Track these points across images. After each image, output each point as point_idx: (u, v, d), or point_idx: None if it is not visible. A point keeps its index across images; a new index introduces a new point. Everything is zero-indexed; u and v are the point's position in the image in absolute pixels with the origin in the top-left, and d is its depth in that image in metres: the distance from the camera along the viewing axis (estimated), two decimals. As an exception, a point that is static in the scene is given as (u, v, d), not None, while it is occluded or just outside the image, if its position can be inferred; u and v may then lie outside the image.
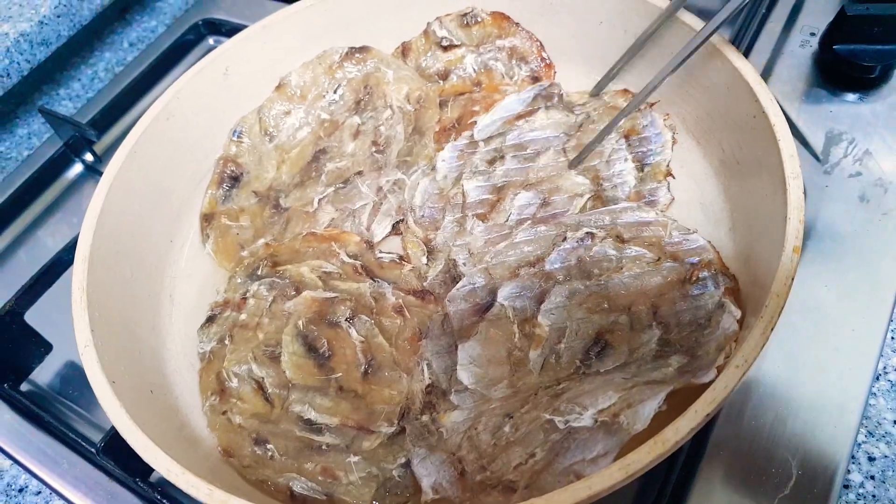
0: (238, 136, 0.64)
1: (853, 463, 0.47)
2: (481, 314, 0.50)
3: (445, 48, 0.66)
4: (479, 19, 0.66)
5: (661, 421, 0.38)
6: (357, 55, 0.65)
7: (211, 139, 0.64)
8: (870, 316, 0.51)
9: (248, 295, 0.55)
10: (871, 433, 0.48)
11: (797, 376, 0.49)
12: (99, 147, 0.74)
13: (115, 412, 0.43)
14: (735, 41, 0.64)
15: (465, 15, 0.66)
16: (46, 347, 0.59)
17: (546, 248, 0.52)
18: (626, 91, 0.61)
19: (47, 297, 0.59)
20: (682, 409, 0.37)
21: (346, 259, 0.56)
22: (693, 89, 0.57)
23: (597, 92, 0.62)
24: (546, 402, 0.43)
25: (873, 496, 0.46)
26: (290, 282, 0.55)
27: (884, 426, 0.48)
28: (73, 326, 0.48)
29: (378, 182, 0.60)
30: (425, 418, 0.47)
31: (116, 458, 0.49)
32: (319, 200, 0.60)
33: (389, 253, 0.57)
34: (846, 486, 0.46)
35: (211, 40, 0.85)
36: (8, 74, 0.76)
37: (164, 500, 0.49)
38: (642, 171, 0.56)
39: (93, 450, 0.52)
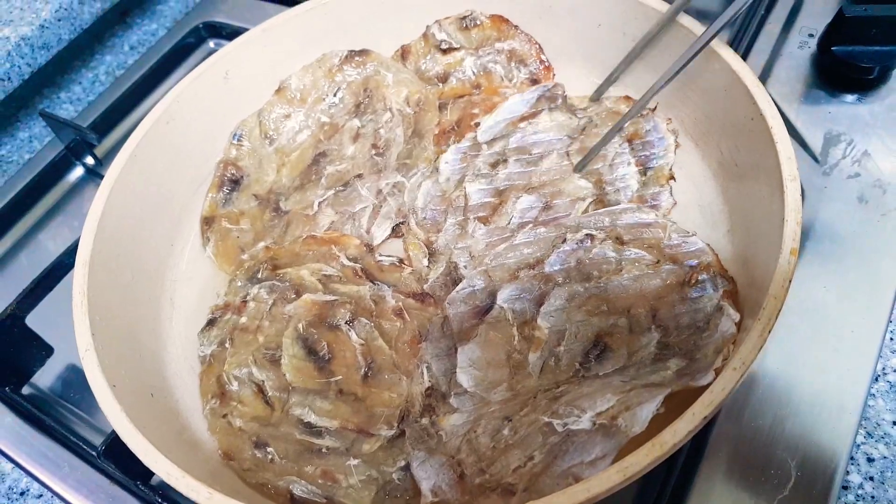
0: (238, 140, 0.64)
1: (852, 464, 0.47)
2: (481, 317, 0.50)
3: (445, 51, 0.66)
4: (478, 22, 0.66)
5: (659, 423, 0.38)
6: (357, 58, 0.65)
7: (211, 143, 0.64)
8: (869, 317, 0.51)
9: (248, 298, 0.55)
10: (869, 434, 0.48)
11: (796, 377, 0.49)
12: (100, 150, 0.74)
13: (116, 416, 0.43)
14: (734, 43, 0.64)
15: (465, 18, 0.66)
16: (48, 351, 0.59)
17: (545, 250, 0.52)
18: (627, 98, 0.61)
19: (48, 301, 0.59)
20: (680, 412, 0.37)
21: (346, 262, 0.56)
22: (691, 92, 0.57)
23: (597, 97, 0.62)
24: (545, 404, 0.44)
25: (872, 497, 0.46)
26: (290, 285, 0.55)
27: (883, 427, 0.48)
28: (74, 330, 0.48)
29: (378, 185, 0.60)
30: (425, 421, 0.47)
31: (117, 461, 0.50)
32: (319, 203, 0.60)
33: (389, 256, 0.57)
34: (845, 487, 0.46)
35: (211, 43, 0.86)
36: (9, 78, 0.77)
37: (165, 504, 0.49)
38: (645, 174, 0.56)
39: (94, 453, 0.52)
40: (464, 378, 0.47)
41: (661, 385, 0.42)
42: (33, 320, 0.58)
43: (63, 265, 0.59)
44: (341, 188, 0.60)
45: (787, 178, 0.45)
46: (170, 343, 0.56)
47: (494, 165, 0.59)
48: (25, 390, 0.59)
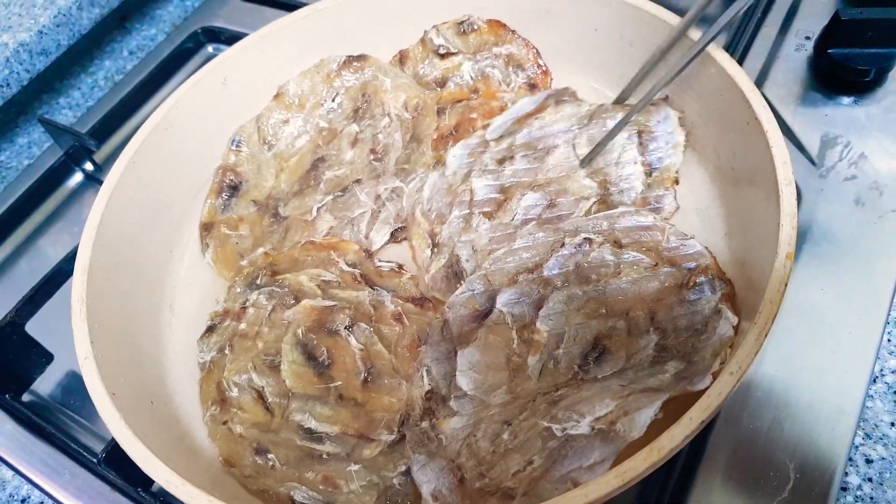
0: (237, 145, 0.64)
1: (851, 465, 0.47)
2: (480, 320, 0.50)
3: (442, 56, 0.66)
4: (476, 27, 0.66)
5: (657, 428, 0.38)
6: (355, 63, 0.65)
7: (210, 149, 0.64)
8: (866, 318, 0.51)
9: (247, 304, 0.55)
10: (868, 435, 0.48)
11: (794, 379, 0.49)
12: (99, 156, 0.74)
13: (116, 424, 0.43)
14: (730, 46, 0.64)
15: (462, 23, 0.66)
16: (48, 358, 0.59)
17: (544, 254, 0.52)
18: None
19: (48, 308, 0.59)
20: (678, 416, 0.38)
21: (345, 267, 0.56)
22: (687, 96, 0.57)
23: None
24: (544, 409, 0.44)
25: (871, 498, 0.46)
26: (289, 290, 0.55)
27: (881, 428, 0.48)
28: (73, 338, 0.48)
29: (376, 190, 0.60)
30: (425, 425, 0.47)
31: (118, 468, 0.50)
32: (318, 209, 0.60)
33: (388, 262, 0.57)
34: (844, 489, 0.46)
35: (210, 48, 0.86)
36: (8, 84, 0.77)
37: (166, 510, 0.49)
38: (650, 175, 0.56)
39: (94, 460, 0.52)
40: (463, 381, 0.48)
41: (659, 390, 0.42)
42: (33, 327, 0.58)
43: (63, 272, 0.59)
44: (340, 193, 0.60)
45: (783, 182, 0.45)
46: (169, 350, 0.56)
47: (501, 162, 0.59)
48: (26, 397, 0.59)
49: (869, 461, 0.47)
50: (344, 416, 0.49)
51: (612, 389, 0.43)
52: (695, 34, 0.55)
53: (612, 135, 0.56)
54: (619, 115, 0.58)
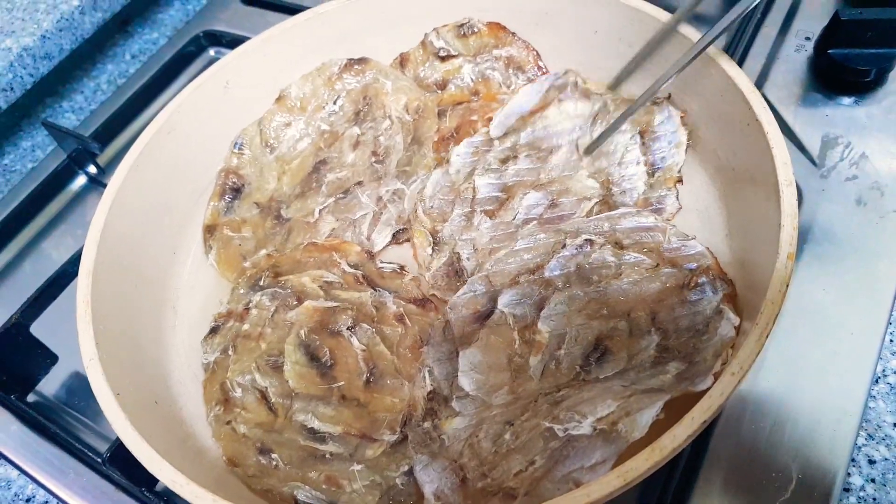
0: (239, 148, 0.64)
1: (853, 466, 0.47)
2: (482, 321, 0.51)
3: (443, 58, 0.67)
4: (476, 30, 0.66)
5: (658, 428, 0.38)
6: (356, 66, 0.66)
7: (212, 152, 0.64)
8: (868, 319, 0.51)
9: (250, 305, 0.55)
10: (870, 436, 0.48)
11: (796, 380, 0.49)
12: (102, 159, 0.74)
13: (121, 424, 0.44)
14: (730, 46, 0.64)
15: (462, 26, 0.67)
16: (52, 359, 0.60)
17: (545, 255, 0.52)
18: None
19: (53, 309, 0.59)
20: (680, 416, 0.38)
21: (347, 269, 0.56)
22: (688, 97, 0.57)
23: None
24: (546, 409, 0.44)
25: (874, 499, 0.46)
26: (291, 292, 0.55)
27: (883, 429, 0.48)
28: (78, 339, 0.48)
29: (378, 192, 0.60)
30: (427, 425, 0.47)
31: (122, 468, 0.50)
32: (320, 211, 0.60)
33: (390, 263, 0.57)
34: (847, 490, 0.46)
35: (212, 52, 0.86)
36: (11, 88, 0.77)
37: (170, 510, 0.49)
38: (653, 176, 0.57)
39: (99, 460, 0.52)
40: (465, 381, 0.48)
41: (661, 390, 0.42)
42: (38, 328, 0.58)
43: (67, 274, 0.59)
44: (342, 195, 0.61)
45: (784, 182, 0.46)
46: (173, 351, 0.56)
47: (505, 161, 0.59)
48: (31, 398, 0.59)
49: (872, 462, 0.47)
50: (347, 416, 0.49)
51: (613, 390, 0.43)
52: (688, 31, 0.55)
53: (616, 125, 0.57)
54: (624, 123, 0.58)
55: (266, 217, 0.62)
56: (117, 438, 0.45)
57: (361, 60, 0.66)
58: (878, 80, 0.63)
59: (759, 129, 0.49)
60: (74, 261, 0.59)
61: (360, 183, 0.61)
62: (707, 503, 0.46)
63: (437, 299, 0.55)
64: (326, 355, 0.51)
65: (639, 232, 0.52)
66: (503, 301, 0.50)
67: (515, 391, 0.47)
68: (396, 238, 0.60)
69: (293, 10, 0.68)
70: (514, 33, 0.66)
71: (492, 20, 0.66)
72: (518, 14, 0.66)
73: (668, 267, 0.50)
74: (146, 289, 0.57)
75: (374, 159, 0.62)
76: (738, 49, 0.65)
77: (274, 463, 0.48)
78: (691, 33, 0.55)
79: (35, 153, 0.83)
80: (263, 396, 0.51)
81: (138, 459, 0.42)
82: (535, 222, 0.55)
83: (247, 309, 0.55)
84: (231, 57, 0.64)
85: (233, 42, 0.80)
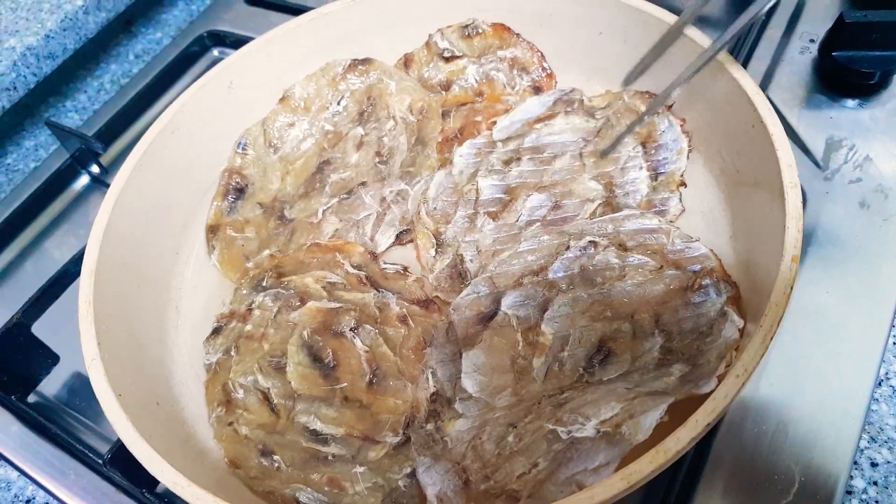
0: (243, 148, 0.64)
1: (856, 469, 0.47)
2: (485, 323, 0.51)
3: (447, 59, 0.67)
4: (481, 30, 0.66)
5: (662, 431, 0.38)
6: (360, 67, 0.66)
7: (216, 152, 0.64)
8: (871, 321, 0.51)
9: (253, 306, 0.55)
10: (873, 439, 0.48)
11: (799, 383, 0.49)
12: (105, 159, 0.74)
13: (122, 425, 0.44)
14: (735, 49, 0.64)
15: (467, 26, 0.67)
16: (54, 359, 0.60)
17: (549, 256, 0.52)
18: (645, 93, 0.61)
19: (54, 309, 0.59)
20: (683, 419, 0.38)
21: (351, 269, 0.56)
22: (692, 99, 0.57)
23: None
24: (549, 411, 0.44)
25: (876, 502, 0.46)
26: (294, 292, 0.55)
27: (886, 432, 0.48)
28: (80, 339, 0.48)
29: (381, 193, 0.60)
30: (430, 427, 0.47)
31: (123, 469, 0.50)
32: (323, 211, 0.60)
33: (394, 264, 0.57)
34: (849, 492, 0.46)
35: (216, 52, 0.86)
36: (15, 87, 0.77)
37: (172, 511, 0.49)
38: (656, 179, 0.57)
39: (100, 461, 0.52)
40: (469, 383, 0.48)
41: (664, 393, 0.42)
42: (39, 328, 0.58)
43: (69, 273, 0.59)
44: (345, 196, 0.61)
45: (788, 185, 0.45)
46: (175, 351, 0.56)
47: (508, 163, 0.59)
48: (31, 398, 0.59)
49: (874, 465, 0.47)
50: (349, 417, 0.49)
51: (617, 392, 0.43)
52: (695, 34, 0.55)
53: (633, 127, 0.57)
54: (627, 123, 0.58)
55: (269, 217, 0.62)
56: (118, 439, 0.45)
57: (365, 61, 0.66)
58: (883, 83, 0.63)
59: (764, 132, 0.49)
60: (77, 260, 0.59)
61: (363, 183, 0.61)
62: (710, 506, 0.46)
63: (441, 301, 0.55)
64: (329, 356, 0.51)
65: (642, 234, 0.52)
66: (507, 302, 0.50)
67: (519, 393, 0.47)
68: (400, 239, 0.60)
69: (297, 11, 0.68)
70: (518, 34, 0.66)
71: (496, 21, 0.66)
72: (522, 15, 0.66)
73: (671, 269, 0.50)
74: (148, 289, 0.57)
75: (377, 160, 0.62)
76: (742, 51, 0.65)
77: (276, 465, 0.48)
78: (698, 37, 0.55)
79: (38, 152, 0.83)
80: (266, 398, 0.51)
81: (139, 461, 0.42)
82: (538, 224, 0.55)
83: (249, 310, 0.55)
84: (235, 57, 0.64)
85: (236, 42, 0.80)
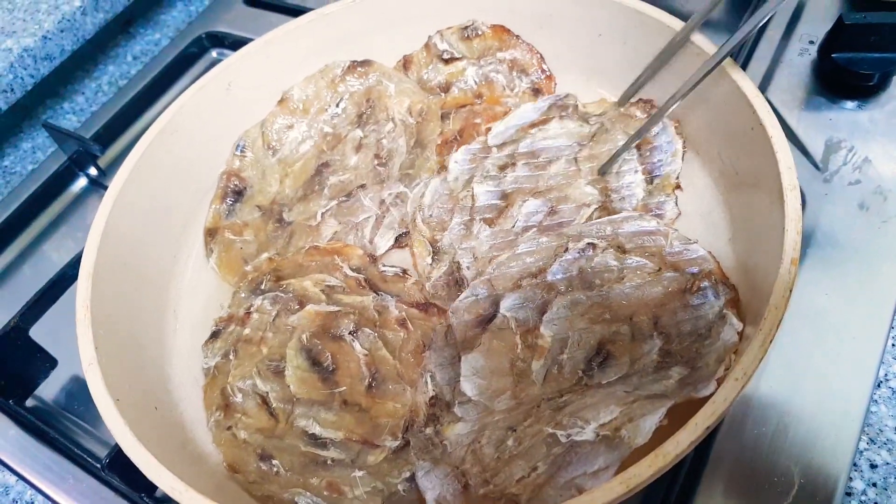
0: (241, 151, 0.64)
1: (855, 470, 0.47)
2: (484, 325, 0.51)
3: (447, 61, 0.66)
4: (480, 32, 0.66)
5: (661, 434, 0.38)
6: (359, 69, 0.66)
7: (214, 154, 0.64)
8: (870, 323, 0.51)
9: (251, 309, 0.55)
10: (872, 440, 0.48)
11: (798, 384, 0.49)
12: (103, 161, 0.74)
13: (120, 430, 0.43)
14: (735, 50, 0.64)
15: (466, 28, 0.66)
16: (52, 363, 0.59)
17: (548, 258, 0.52)
18: (640, 102, 0.61)
19: (52, 312, 0.59)
20: (683, 422, 0.38)
21: (350, 272, 0.56)
22: (692, 101, 0.57)
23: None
24: (548, 415, 0.44)
25: (875, 503, 0.46)
26: (293, 296, 0.55)
27: (885, 433, 0.48)
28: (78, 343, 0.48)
29: (381, 195, 0.60)
30: (429, 431, 0.47)
31: (122, 473, 0.50)
32: (322, 214, 0.60)
33: (393, 266, 0.57)
34: (848, 494, 0.46)
35: (214, 53, 0.86)
36: (12, 89, 0.77)
37: (171, 516, 0.49)
38: (651, 183, 0.56)
39: (98, 465, 0.52)
40: (468, 386, 0.48)
41: (664, 396, 0.42)
42: (37, 332, 0.58)
43: (67, 277, 0.59)
44: (344, 198, 0.61)
45: (787, 187, 0.45)
46: (174, 355, 0.56)
47: (503, 168, 0.59)
48: (29, 402, 0.59)
49: (874, 466, 0.47)
50: (348, 421, 0.49)
51: (616, 396, 0.43)
52: (701, 40, 0.55)
53: (630, 142, 0.57)
54: (620, 137, 0.58)
55: (268, 220, 0.61)
56: (116, 444, 0.45)
57: (364, 63, 0.66)
58: (882, 84, 0.63)
59: (763, 134, 0.49)
60: (74, 264, 0.59)
61: (362, 186, 0.61)
62: (710, 509, 0.46)
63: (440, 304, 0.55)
64: (328, 360, 0.51)
65: (641, 236, 0.52)
66: (505, 305, 0.50)
67: (518, 396, 0.47)
68: (399, 242, 0.60)
69: (296, 12, 0.68)
70: (518, 36, 0.66)
71: (496, 23, 0.66)
72: (522, 17, 0.65)
73: (670, 271, 0.50)
74: (147, 292, 0.57)
75: (376, 162, 0.62)
76: (741, 53, 0.65)
77: (275, 469, 0.48)
78: (701, 42, 0.55)
79: (35, 155, 0.83)
80: (264, 401, 0.51)
81: (137, 465, 0.42)
82: (534, 230, 0.55)
83: (248, 313, 0.55)
84: (233, 58, 0.64)
85: (235, 43, 0.80)
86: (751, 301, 0.47)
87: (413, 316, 0.53)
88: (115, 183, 0.56)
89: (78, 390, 0.60)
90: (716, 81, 0.54)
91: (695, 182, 0.57)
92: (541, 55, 0.66)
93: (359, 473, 0.46)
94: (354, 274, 0.56)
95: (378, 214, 0.60)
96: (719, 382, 0.40)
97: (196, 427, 0.52)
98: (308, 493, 0.46)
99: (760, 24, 0.50)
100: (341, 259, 0.57)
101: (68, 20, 0.80)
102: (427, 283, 0.55)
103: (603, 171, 0.57)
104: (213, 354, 0.54)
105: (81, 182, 0.75)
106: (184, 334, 0.58)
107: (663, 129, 0.58)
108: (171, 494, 0.41)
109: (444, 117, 0.64)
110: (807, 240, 0.55)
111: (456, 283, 0.54)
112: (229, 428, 0.50)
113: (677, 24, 0.57)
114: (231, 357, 0.53)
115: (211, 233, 0.61)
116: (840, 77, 0.63)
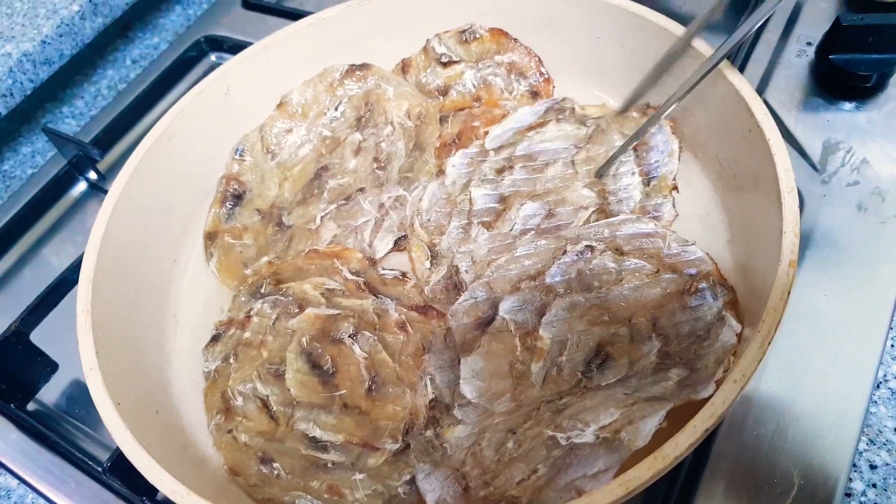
0: (240, 155, 0.64)
1: (855, 471, 0.47)
2: (483, 328, 0.51)
3: (445, 64, 0.67)
4: (478, 35, 0.66)
5: (660, 436, 0.38)
6: (357, 72, 0.66)
7: (213, 158, 0.64)
8: (869, 324, 0.51)
9: (251, 313, 0.55)
10: (872, 441, 0.48)
11: (797, 385, 0.49)
12: (102, 165, 0.74)
13: (121, 434, 0.43)
14: (732, 52, 0.64)
15: (464, 31, 0.67)
16: (52, 367, 0.60)
17: (546, 261, 0.52)
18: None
19: (53, 317, 0.59)
20: (682, 424, 0.38)
21: (349, 276, 0.56)
22: (689, 103, 0.57)
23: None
24: (548, 417, 0.44)
25: (875, 504, 0.46)
26: (293, 299, 0.55)
27: (885, 434, 0.48)
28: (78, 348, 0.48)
29: (380, 198, 0.60)
30: (429, 433, 0.47)
31: (123, 477, 0.50)
32: (322, 217, 0.60)
33: (392, 270, 0.57)
34: (848, 495, 0.46)
35: (213, 57, 0.86)
36: (11, 94, 0.77)
37: (172, 519, 0.49)
38: (648, 185, 0.57)
39: (99, 469, 0.52)
40: (467, 389, 0.48)
41: (663, 398, 0.42)
42: (38, 336, 0.58)
43: (67, 281, 0.59)
44: (343, 202, 0.61)
45: (785, 189, 0.46)
46: (174, 359, 0.56)
47: (500, 171, 0.59)
48: (30, 406, 0.59)
49: (873, 467, 0.47)
50: (348, 424, 0.49)
51: (616, 398, 0.43)
52: (701, 45, 0.55)
53: (626, 145, 0.57)
54: (617, 138, 0.58)
55: (267, 224, 0.62)
56: (118, 447, 0.45)
57: (363, 66, 0.66)
58: (879, 86, 0.63)
59: (761, 136, 0.49)
60: (74, 268, 0.59)
61: (361, 189, 0.61)
62: (710, 510, 0.46)
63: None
64: (328, 363, 0.51)
65: (639, 238, 0.52)
66: (504, 307, 0.50)
67: (517, 398, 0.47)
68: (398, 245, 0.60)
69: (295, 16, 0.68)
70: (516, 39, 0.66)
71: (494, 26, 0.67)
72: (520, 20, 0.66)
73: (668, 273, 0.50)
74: (147, 296, 0.57)
75: (375, 165, 0.62)
76: (739, 55, 0.65)
77: (275, 472, 0.48)
78: (698, 44, 0.55)
79: (35, 159, 0.83)
80: (265, 405, 0.51)
81: (138, 469, 0.42)
82: (532, 233, 0.55)
83: (248, 317, 0.55)
84: (232, 62, 0.64)
85: (234, 47, 0.80)
86: (749, 302, 0.47)
87: (412, 319, 0.53)
88: (115, 187, 0.56)
89: (79, 394, 0.60)
90: (713, 83, 0.54)
91: (693, 184, 0.57)
92: (539, 58, 0.66)
93: (359, 476, 0.47)
94: (354, 277, 0.56)
95: (377, 218, 0.60)
96: (718, 384, 0.40)
97: (197, 430, 0.52)
98: (309, 497, 0.46)
99: (758, 26, 0.50)
100: (341, 262, 0.57)
101: (67, 25, 0.80)
102: (426, 286, 0.56)
103: (600, 173, 0.57)
104: (213, 358, 0.54)
105: (81, 186, 0.75)
106: (184, 338, 0.58)
107: (659, 129, 0.58)
108: (172, 498, 0.41)
109: (442, 120, 0.65)
110: (805, 241, 0.55)
111: (455, 286, 0.54)
112: (230, 431, 0.50)
113: (675, 27, 0.57)
114: (231, 360, 0.53)
115: (210, 237, 0.62)
116: (838, 78, 0.63)
